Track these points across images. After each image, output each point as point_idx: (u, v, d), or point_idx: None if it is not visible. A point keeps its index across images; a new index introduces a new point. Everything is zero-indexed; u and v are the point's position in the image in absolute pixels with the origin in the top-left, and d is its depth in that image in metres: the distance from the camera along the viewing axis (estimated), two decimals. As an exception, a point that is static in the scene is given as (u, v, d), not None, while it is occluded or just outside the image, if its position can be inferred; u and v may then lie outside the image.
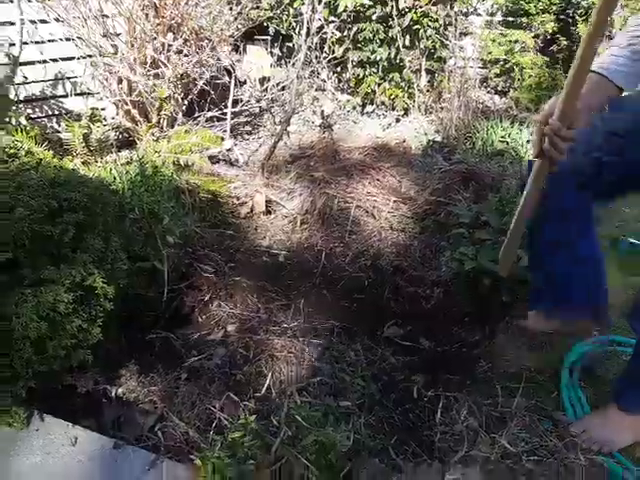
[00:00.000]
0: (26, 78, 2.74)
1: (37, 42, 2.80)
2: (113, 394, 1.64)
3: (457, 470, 1.45)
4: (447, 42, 3.71)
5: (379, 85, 3.83)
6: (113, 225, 1.57)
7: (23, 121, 2.54)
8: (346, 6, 3.14)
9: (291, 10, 3.80)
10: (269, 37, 4.12)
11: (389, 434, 1.55)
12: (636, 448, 1.54)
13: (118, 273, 1.53)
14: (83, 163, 2.46)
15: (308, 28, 2.89)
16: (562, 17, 3.93)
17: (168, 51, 2.86)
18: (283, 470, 1.26)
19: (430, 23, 3.61)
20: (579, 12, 3.75)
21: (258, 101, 3.70)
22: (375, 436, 1.52)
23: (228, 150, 3.13)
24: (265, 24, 3.95)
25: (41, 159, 1.51)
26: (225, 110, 3.20)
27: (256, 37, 4.23)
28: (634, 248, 2.50)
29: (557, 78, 3.91)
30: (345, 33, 3.65)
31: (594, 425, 1.54)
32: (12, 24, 2.66)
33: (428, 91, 3.92)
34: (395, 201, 2.81)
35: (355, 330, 1.99)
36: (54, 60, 2.86)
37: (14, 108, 2.56)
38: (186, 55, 2.92)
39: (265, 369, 1.79)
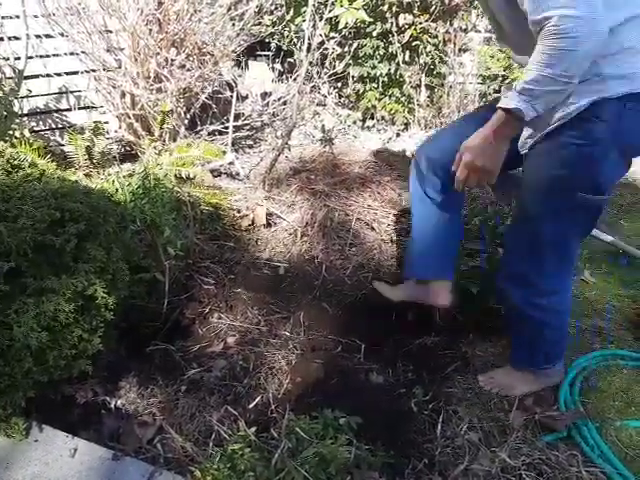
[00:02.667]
0: (30, 91, 2.76)
1: (42, 56, 2.84)
2: (112, 405, 1.63)
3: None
4: (446, 58, 3.76)
5: (379, 100, 3.86)
6: (115, 236, 1.57)
7: (27, 134, 2.56)
8: (347, 22, 3.17)
9: (292, 26, 3.85)
10: (271, 53, 4.18)
11: (389, 447, 1.54)
12: None
13: (119, 284, 1.53)
14: (86, 175, 2.47)
15: (309, 44, 2.92)
16: (560, 34, 3.97)
17: (171, 65, 2.89)
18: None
19: (429, 39, 3.66)
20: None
21: (260, 115, 3.74)
22: (375, 449, 1.51)
23: (230, 163, 3.15)
24: (267, 40, 4.01)
25: (44, 170, 1.52)
26: (227, 124, 3.23)
27: (258, 53, 4.30)
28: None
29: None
30: (346, 49, 3.70)
31: (499, 375, 1.81)
32: (17, 39, 2.70)
33: (428, 106, 3.95)
34: (395, 214, 2.82)
35: (355, 343, 1.99)
36: (58, 74, 2.90)
37: (18, 121, 2.58)
38: (189, 70, 2.96)
39: (265, 382, 1.79)
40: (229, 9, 3.05)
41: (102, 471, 1.32)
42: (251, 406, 1.67)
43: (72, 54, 2.87)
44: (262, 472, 1.27)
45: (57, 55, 2.88)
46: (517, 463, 1.49)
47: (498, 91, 4.26)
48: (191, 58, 2.97)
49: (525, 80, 1.22)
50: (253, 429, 1.44)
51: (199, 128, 3.26)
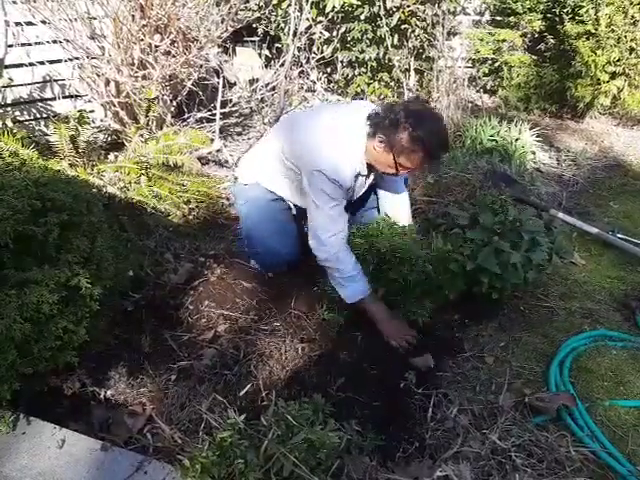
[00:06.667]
0: (12, 80, 2.71)
1: (23, 44, 2.77)
2: (102, 396, 1.62)
3: (448, 466, 1.45)
4: (435, 42, 3.72)
5: (368, 85, 3.83)
6: (99, 225, 1.55)
7: (9, 124, 2.52)
8: (334, 6, 3.13)
9: (279, 11, 3.80)
10: (258, 38, 4.12)
11: (380, 431, 1.54)
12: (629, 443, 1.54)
13: (104, 273, 1.51)
14: (71, 165, 2.43)
15: (295, 28, 2.88)
16: (549, 15, 3.94)
17: (155, 52, 2.84)
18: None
19: (418, 22, 3.62)
20: (565, 10, 3.76)
21: (248, 102, 3.69)
22: (366, 433, 1.51)
23: (217, 151, 3.12)
24: (254, 25, 3.95)
25: (25, 160, 1.49)
26: (214, 111, 3.19)
27: (245, 38, 4.23)
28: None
29: (545, 76, 3.93)
30: (334, 33, 3.66)
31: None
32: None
33: (417, 90, 3.92)
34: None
35: (346, 327, 1.98)
36: (41, 62, 2.84)
37: (0, 111, 2.53)
38: (174, 56, 2.91)
39: (255, 369, 1.78)
40: (214, -7, 3.00)
41: (91, 462, 1.31)
42: (241, 394, 1.67)
43: (55, 42, 2.81)
44: (252, 459, 1.26)
45: (39, 43, 2.81)
46: (507, 445, 1.50)
47: (487, 74, 4.25)
48: (176, 44, 2.92)
49: None
50: (243, 417, 1.43)
51: (186, 115, 3.21)
